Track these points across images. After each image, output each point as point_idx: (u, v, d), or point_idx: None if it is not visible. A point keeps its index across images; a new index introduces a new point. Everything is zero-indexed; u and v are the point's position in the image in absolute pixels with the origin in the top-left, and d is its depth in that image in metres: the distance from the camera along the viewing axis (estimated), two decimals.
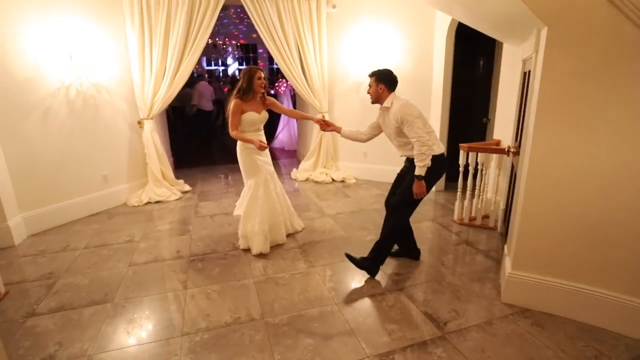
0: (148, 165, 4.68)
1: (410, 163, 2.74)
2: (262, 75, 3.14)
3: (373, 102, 2.83)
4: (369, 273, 2.81)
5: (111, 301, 2.56)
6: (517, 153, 3.16)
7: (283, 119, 7.91)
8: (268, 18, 4.71)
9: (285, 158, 7.26)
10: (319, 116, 5.28)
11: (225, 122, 3.19)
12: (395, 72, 4.79)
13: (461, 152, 3.65)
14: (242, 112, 3.07)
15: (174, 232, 3.74)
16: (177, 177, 5.14)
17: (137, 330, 2.26)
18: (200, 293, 2.64)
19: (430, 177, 2.67)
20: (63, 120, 3.87)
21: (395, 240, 2.94)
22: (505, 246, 2.71)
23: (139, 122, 4.60)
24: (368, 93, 2.83)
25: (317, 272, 2.90)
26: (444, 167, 2.85)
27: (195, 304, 2.51)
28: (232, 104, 3.05)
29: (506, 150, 3.33)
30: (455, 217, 3.83)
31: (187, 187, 5.05)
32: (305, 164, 5.53)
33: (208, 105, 8.49)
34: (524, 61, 3.07)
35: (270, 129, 8.14)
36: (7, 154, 3.44)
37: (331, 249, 3.27)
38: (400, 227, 2.83)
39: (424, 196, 2.70)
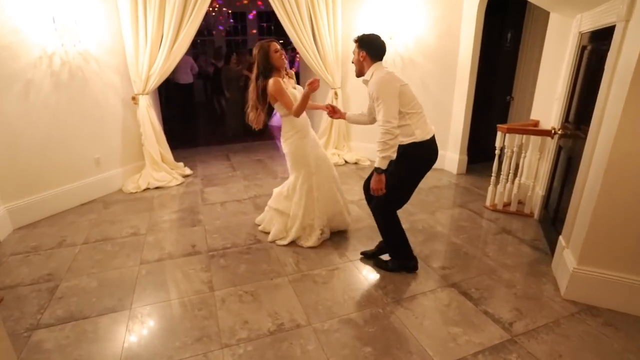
0: (144, 147, 4.27)
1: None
2: (278, 46, 2.73)
3: (357, 75, 2.47)
4: (407, 271, 2.60)
5: (128, 308, 2.26)
6: (565, 135, 2.98)
7: None
8: None
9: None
10: (331, 92, 4.97)
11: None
12: (417, 46, 4.54)
13: (499, 133, 3.43)
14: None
15: (183, 222, 3.41)
16: (176, 160, 4.74)
17: (167, 342, 1.99)
18: (231, 295, 2.37)
19: (410, 168, 2.38)
20: (47, 95, 3.40)
21: (399, 230, 2.55)
22: (561, 237, 2.55)
23: (134, 98, 4.15)
24: (352, 63, 2.46)
25: (355, 267, 2.68)
26: (430, 157, 2.43)
27: (228, 309, 2.25)
28: (271, 84, 2.65)
29: (551, 131, 3.14)
30: (488, 202, 3.66)
31: (188, 171, 4.67)
32: None
33: (185, 79, 7.78)
34: (581, 34, 2.83)
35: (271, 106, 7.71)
36: None
37: (364, 240, 3.05)
38: (391, 222, 2.53)
39: (385, 191, 2.35)
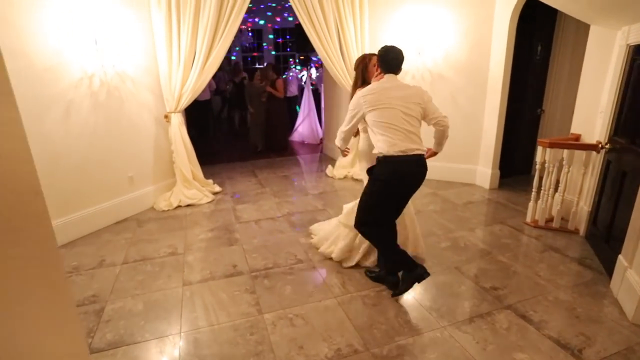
0: (176, 164, 4.28)
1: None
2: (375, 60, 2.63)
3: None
4: (417, 281, 2.40)
5: (178, 332, 2.21)
6: (614, 149, 2.90)
7: (303, 109, 7.51)
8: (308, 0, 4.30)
9: (308, 153, 6.89)
10: None
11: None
12: (446, 60, 4.51)
13: (539, 148, 3.36)
14: None
15: (220, 241, 3.37)
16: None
17: None
18: (281, 319, 2.31)
19: (376, 179, 2.37)
20: (86, 115, 3.43)
21: (393, 243, 2.48)
22: (621, 257, 2.45)
23: (166, 116, 4.18)
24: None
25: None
26: (391, 174, 2.31)
27: (281, 334, 2.18)
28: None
29: (597, 146, 3.06)
30: (529, 218, 3.57)
31: (217, 188, 4.66)
32: (342, 161, 5.18)
33: (203, 95, 7.83)
34: (629, 46, 2.78)
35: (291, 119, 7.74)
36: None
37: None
38: (379, 235, 2.48)
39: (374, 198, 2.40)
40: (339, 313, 2.35)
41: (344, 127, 2.55)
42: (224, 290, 2.62)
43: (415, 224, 2.94)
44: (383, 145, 2.30)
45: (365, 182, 2.61)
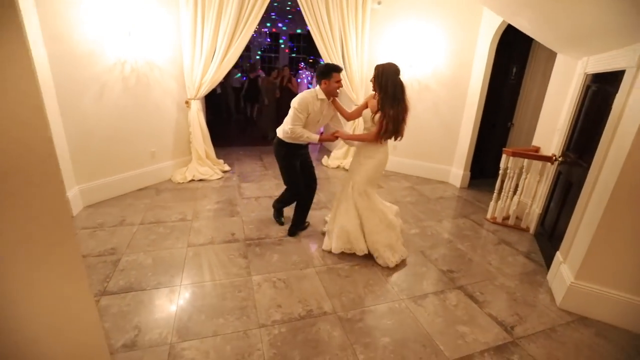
0: (192, 144, 4.30)
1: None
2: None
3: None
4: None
5: (179, 284, 2.27)
6: (565, 162, 2.90)
7: None
8: (316, 7, 4.24)
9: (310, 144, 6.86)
10: (354, 107, 4.92)
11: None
12: (434, 74, 4.47)
13: (504, 155, 3.36)
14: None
15: (223, 212, 3.42)
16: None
17: (213, 318, 1.99)
18: (266, 281, 2.36)
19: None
20: (117, 96, 3.44)
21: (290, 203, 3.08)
22: (558, 253, 2.48)
23: (187, 102, 4.17)
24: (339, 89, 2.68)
25: (374, 264, 2.65)
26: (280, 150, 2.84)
27: (264, 293, 2.24)
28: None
29: (552, 158, 3.06)
30: (489, 215, 3.59)
31: (227, 167, 4.68)
32: (336, 152, 5.19)
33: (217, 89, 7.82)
34: (587, 75, 2.75)
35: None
36: (66, 127, 3.04)
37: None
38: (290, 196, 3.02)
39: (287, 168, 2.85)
40: (315, 281, 2.41)
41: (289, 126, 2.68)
42: (221, 253, 2.67)
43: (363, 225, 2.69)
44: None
45: (368, 193, 2.63)
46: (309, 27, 4.36)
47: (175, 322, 1.94)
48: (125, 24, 3.29)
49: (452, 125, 4.50)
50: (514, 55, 4.40)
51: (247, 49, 12.25)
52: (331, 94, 2.65)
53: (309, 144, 2.87)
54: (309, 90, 2.67)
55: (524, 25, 2.97)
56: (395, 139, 2.55)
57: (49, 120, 2.83)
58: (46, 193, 0.92)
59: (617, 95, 2.09)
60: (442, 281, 2.50)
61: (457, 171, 4.56)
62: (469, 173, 4.51)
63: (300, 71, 9.16)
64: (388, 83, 2.38)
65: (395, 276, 2.53)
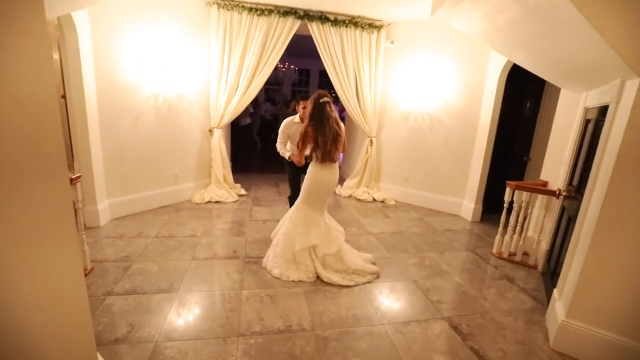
0: (212, 168, 4.73)
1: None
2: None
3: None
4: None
5: (176, 291, 2.51)
6: (569, 197, 2.85)
7: None
8: (332, 45, 4.67)
9: None
10: (367, 140, 5.16)
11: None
12: (444, 107, 4.63)
13: (507, 189, 3.35)
14: None
15: (231, 232, 3.69)
16: (235, 181, 5.15)
17: (198, 323, 2.18)
18: (254, 296, 2.53)
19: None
20: (150, 122, 3.98)
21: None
22: (555, 290, 2.40)
23: (210, 130, 4.67)
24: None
25: (362, 290, 2.72)
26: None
27: (250, 306, 2.40)
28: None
29: (557, 192, 3.02)
30: (495, 250, 3.52)
31: (243, 191, 5.04)
32: (349, 182, 5.38)
33: (243, 121, 8.53)
34: (587, 109, 2.78)
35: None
36: (104, 148, 3.57)
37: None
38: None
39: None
40: (301, 300, 2.53)
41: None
42: (220, 267, 2.90)
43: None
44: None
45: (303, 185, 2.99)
46: (325, 64, 4.77)
47: (165, 323, 2.16)
48: (161, 61, 3.88)
49: (464, 158, 4.54)
50: (528, 89, 4.44)
51: (280, 83, 13.24)
52: (302, 119, 3.14)
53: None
54: (292, 116, 3.37)
55: (523, 62, 3.10)
56: (327, 160, 2.82)
57: (91, 141, 3.37)
58: (52, 183, 1.22)
59: (603, 129, 2.13)
60: (429, 310, 2.50)
61: (468, 204, 4.52)
62: (480, 206, 4.46)
63: None
64: (314, 112, 2.75)
65: (381, 302, 2.58)
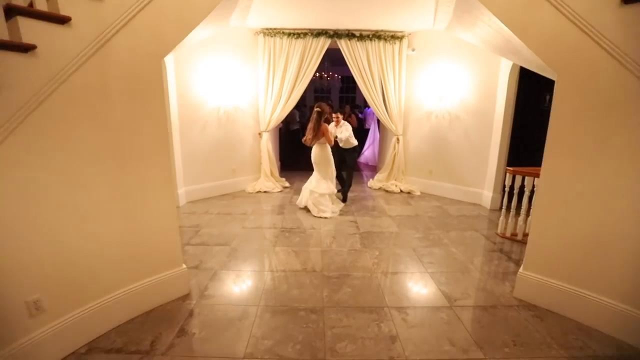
0: (262, 165, 5.88)
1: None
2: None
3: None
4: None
5: (229, 245, 3.60)
6: None
7: (369, 138, 8.59)
8: (359, 58, 5.51)
9: (368, 171, 7.90)
10: (394, 138, 5.85)
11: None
12: (461, 104, 5.18)
13: (507, 174, 3.82)
14: None
15: (273, 212, 4.75)
16: (281, 176, 6.25)
17: (245, 264, 3.21)
18: (283, 251, 3.50)
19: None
20: (213, 130, 5.28)
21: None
22: None
23: (259, 134, 5.84)
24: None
25: (367, 252, 3.50)
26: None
27: (279, 257, 3.37)
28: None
29: None
30: (499, 230, 3.98)
31: (287, 184, 6.12)
32: (380, 176, 6.12)
33: (293, 126, 9.82)
34: None
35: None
36: (182, 149, 4.93)
37: (383, 239, 3.82)
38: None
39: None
40: (317, 255, 3.41)
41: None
42: (261, 234, 3.94)
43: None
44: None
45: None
46: (352, 73, 5.64)
47: (221, 260, 3.23)
48: (221, 81, 5.16)
49: (482, 150, 4.99)
50: (547, 82, 4.73)
51: (328, 90, 14.35)
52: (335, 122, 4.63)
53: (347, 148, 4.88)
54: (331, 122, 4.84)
55: (516, 61, 3.62)
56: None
57: (174, 145, 4.74)
58: (165, 158, 2.33)
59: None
60: (417, 267, 3.19)
61: (488, 193, 4.94)
62: (499, 195, 4.84)
63: (367, 108, 10.43)
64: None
65: (378, 260, 3.33)
